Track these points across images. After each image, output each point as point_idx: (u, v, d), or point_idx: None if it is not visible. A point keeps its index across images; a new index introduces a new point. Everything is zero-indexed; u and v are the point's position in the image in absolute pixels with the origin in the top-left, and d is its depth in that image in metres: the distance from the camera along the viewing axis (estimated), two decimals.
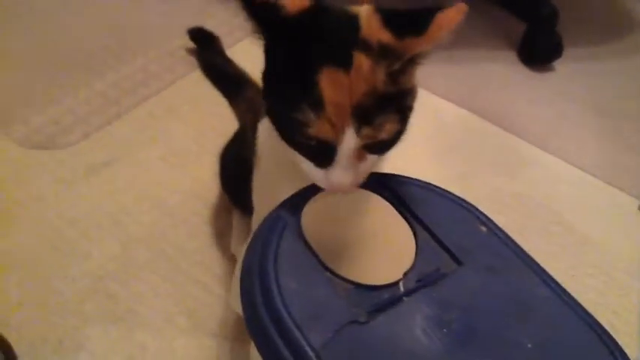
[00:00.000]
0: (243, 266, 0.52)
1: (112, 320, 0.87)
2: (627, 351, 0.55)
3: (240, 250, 0.93)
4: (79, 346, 0.84)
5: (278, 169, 0.67)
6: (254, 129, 0.71)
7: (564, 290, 0.52)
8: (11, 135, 1.14)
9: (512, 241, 0.55)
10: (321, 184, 0.55)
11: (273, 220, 0.54)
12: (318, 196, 0.57)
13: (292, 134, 0.54)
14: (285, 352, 0.45)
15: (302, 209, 0.55)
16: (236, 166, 0.90)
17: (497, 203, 1.11)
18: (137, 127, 1.18)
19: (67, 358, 0.83)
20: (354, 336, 0.46)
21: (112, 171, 1.09)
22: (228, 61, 1.28)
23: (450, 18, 0.50)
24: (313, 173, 0.55)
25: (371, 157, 0.55)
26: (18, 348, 0.81)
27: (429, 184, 0.59)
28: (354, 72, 0.49)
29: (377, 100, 0.50)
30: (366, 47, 0.50)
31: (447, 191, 0.58)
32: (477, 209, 0.57)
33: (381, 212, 0.57)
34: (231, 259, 0.95)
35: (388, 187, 0.58)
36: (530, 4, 1.47)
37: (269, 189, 0.71)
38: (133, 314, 0.88)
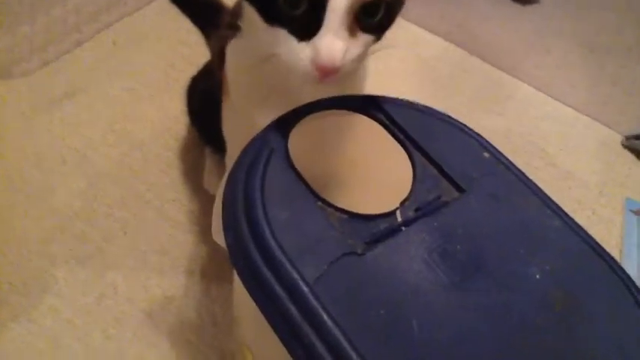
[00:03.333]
0: (225, 195, 0.46)
1: (80, 260, 0.82)
2: None
3: (213, 184, 0.88)
4: (45, 288, 0.79)
5: (249, 96, 0.63)
6: (222, 57, 0.65)
7: (573, 220, 0.48)
8: None
9: (517, 168, 0.51)
10: (306, 65, 0.47)
11: (258, 145, 0.49)
12: (306, 120, 0.52)
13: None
14: (277, 288, 0.40)
15: (289, 133, 0.50)
16: (205, 100, 0.83)
17: None
18: (100, 55, 1.09)
19: (33, 300, 0.78)
20: (351, 269, 0.42)
21: (75, 103, 1.01)
22: None
23: None
24: (297, 54, 0.47)
25: (363, 38, 0.48)
26: None
27: (427, 107, 0.54)
28: None
29: None
30: None
31: (446, 115, 0.53)
32: (480, 135, 0.52)
33: (375, 136, 0.52)
34: (205, 194, 0.90)
35: (382, 109, 0.53)
36: None
37: (240, 119, 0.66)
38: (102, 254, 0.83)
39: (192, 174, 0.93)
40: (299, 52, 0.46)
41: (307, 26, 0.46)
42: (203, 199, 0.90)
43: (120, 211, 0.87)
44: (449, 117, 0.53)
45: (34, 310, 0.77)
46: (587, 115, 1.16)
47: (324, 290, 0.40)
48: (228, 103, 0.68)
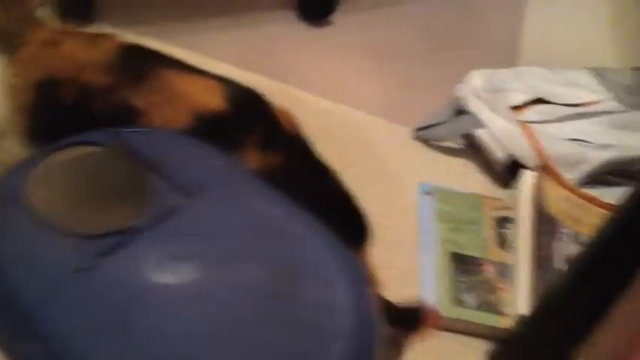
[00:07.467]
0: None
1: None
2: None
3: None
4: None
5: None
6: None
7: (291, 206, 0.55)
8: None
9: (245, 169, 0.58)
10: None
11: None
12: (49, 160, 0.56)
13: None
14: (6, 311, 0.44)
15: (28, 175, 0.54)
16: None
17: None
18: None
19: None
20: (79, 285, 0.46)
21: None
22: None
23: None
24: None
25: None
26: None
27: (160, 130, 0.60)
28: None
29: None
30: None
31: (178, 134, 0.59)
32: (209, 147, 0.59)
33: (114, 164, 0.57)
34: None
35: (120, 139, 0.58)
36: None
37: None
38: None
39: None
40: None
41: None
42: None
43: None
44: (180, 135, 0.59)
45: None
46: (382, 117, 1.28)
47: (51, 308, 0.44)
48: None
